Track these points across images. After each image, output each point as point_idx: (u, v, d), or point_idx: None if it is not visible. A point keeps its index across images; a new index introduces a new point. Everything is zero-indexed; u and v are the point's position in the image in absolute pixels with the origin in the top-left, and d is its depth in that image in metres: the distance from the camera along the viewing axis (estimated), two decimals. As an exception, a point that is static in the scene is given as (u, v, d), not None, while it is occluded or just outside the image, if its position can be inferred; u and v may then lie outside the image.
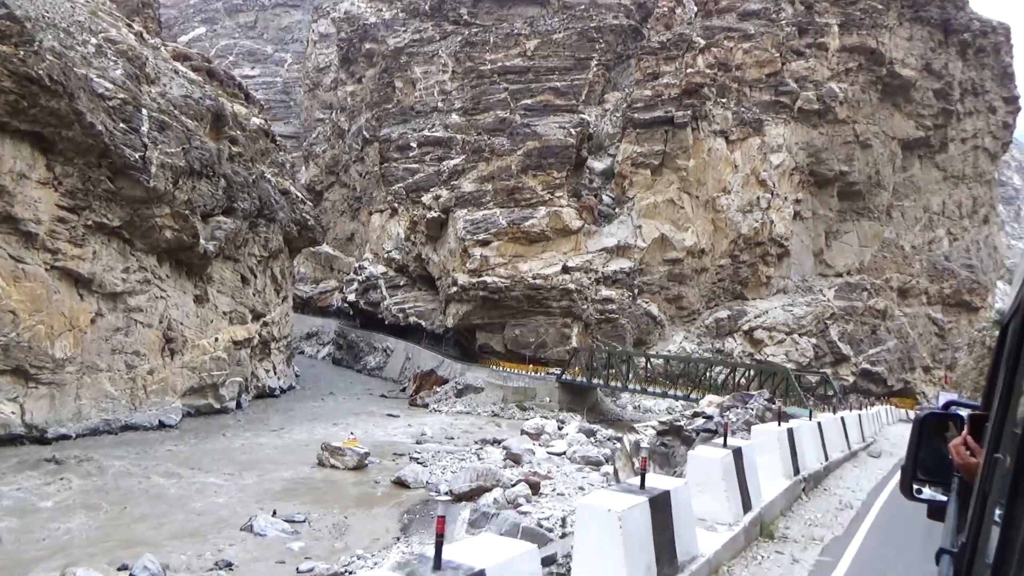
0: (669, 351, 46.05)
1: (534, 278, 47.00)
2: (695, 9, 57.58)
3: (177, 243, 31.24)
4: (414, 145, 57.04)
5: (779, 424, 12.98)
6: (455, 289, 48.72)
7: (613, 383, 41.37)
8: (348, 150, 71.96)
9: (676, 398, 38.36)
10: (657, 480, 7.51)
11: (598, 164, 53.23)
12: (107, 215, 27.98)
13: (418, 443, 29.70)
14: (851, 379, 49.56)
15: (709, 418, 14.68)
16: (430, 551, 4.48)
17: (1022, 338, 1.58)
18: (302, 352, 61.98)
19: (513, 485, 20.09)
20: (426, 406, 41.88)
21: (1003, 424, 1.63)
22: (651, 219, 48.46)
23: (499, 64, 55.97)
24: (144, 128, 28.66)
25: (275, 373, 42.84)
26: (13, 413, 24.43)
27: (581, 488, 20.19)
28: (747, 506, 9.33)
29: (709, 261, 50.16)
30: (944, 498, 2.54)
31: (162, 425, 29.91)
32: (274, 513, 18.23)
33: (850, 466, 16.96)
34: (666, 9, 58.79)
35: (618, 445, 21.69)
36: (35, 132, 24.95)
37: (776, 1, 53.06)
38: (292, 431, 31.50)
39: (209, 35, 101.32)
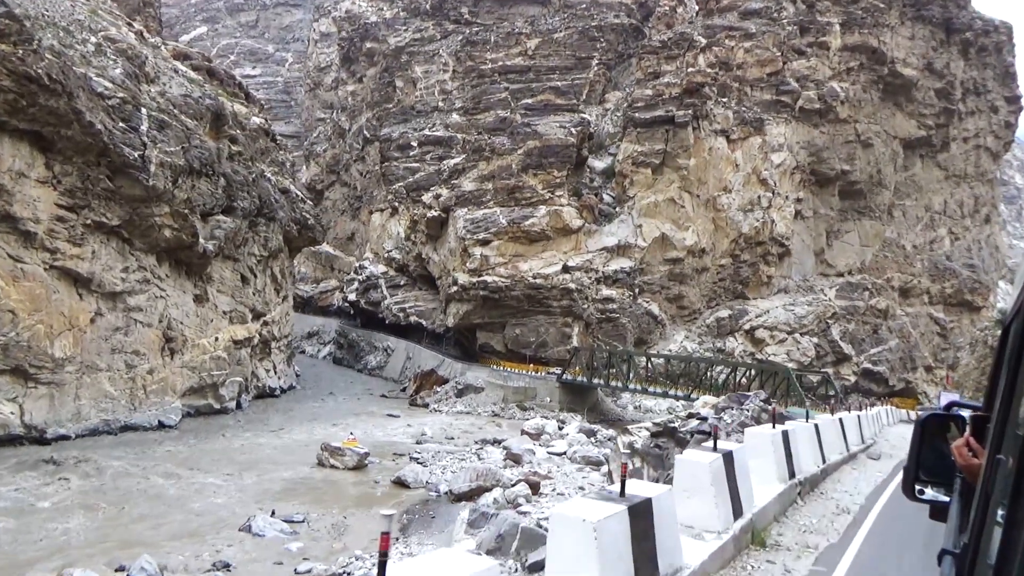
0: (670, 351, 45.99)
1: (534, 277, 46.93)
2: (696, 8, 57.52)
3: (177, 242, 31.20)
4: (415, 144, 57.00)
5: (773, 426, 12.79)
6: (455, 288, 48.67)
7: (614, 383, 41.30)
8: (349, 149, 71.99)
9: (677, 398, 38.26)
10: (639, 487, 7.27)
11: (599, 163, 53.18)
12: (106, 214, 27.94)
13: (418, 443, 29.64)
14: (853, 379, 49.51)
15: (704, 419, 14.60)
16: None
17: None
18: (303, 352, 62.00)
19: (513, 485, 20.02)
20: (426, 406, 41.81)
21: (1005, 425, 1.64)
22: (652, 218, 48.40)
23: (500, 63, 55.93)
24: (143, 127, 28.64)
25: (275, 373, 42.79)
26: (12, 413, 24.38)
27: (581, 488, 20.11)
28: (738, 512, 9.05)
29: (710, 260, 50.10)
30: (946, 499, 2.56)
31: (161, 425, 29.85)
32: (273, 513, 18.16)
33: (848, 469, 16.83)
34: (667, 8, 58.69)
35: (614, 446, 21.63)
36: (34, 131, 24.91)
37: (777, 0, 53.01)
38: (292, 431, 31.42)
39: (210, 34, 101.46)
